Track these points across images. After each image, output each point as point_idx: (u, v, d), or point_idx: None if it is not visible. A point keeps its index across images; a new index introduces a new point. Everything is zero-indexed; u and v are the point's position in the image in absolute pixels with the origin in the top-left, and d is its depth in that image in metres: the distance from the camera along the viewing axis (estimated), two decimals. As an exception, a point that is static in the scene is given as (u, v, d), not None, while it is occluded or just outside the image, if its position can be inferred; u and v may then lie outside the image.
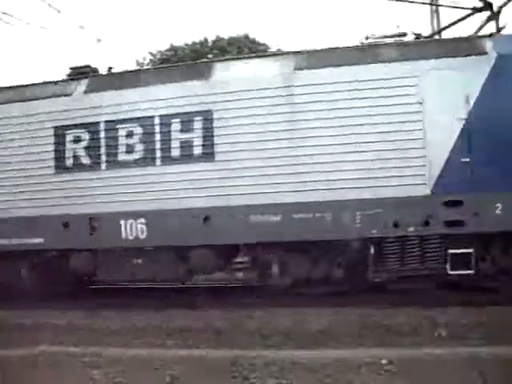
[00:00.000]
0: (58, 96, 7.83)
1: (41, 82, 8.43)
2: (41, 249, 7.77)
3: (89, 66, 8.41)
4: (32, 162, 7.76)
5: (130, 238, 7.34)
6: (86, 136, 7.61)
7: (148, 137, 7.41)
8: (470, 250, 6.37)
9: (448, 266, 6.44)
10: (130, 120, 7.48)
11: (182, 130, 7.28)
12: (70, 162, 7.67)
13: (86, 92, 7.78)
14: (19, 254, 7.84)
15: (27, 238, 7.63)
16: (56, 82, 8.35)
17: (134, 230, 7.31)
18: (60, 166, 7.71)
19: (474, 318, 5.77)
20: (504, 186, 6.15)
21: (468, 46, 6.69)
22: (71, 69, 8.43)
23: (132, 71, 8.45)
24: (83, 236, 7.48)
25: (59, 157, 7.70)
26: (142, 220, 7.27)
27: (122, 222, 7.34)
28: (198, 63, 8.39)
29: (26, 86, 8.45)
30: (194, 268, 7.54)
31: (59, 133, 7.69)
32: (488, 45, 6.54)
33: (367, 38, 7.44)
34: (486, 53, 6.46)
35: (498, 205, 6.18)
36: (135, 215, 7.30)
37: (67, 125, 7.67)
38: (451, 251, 6.41)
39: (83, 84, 7.89)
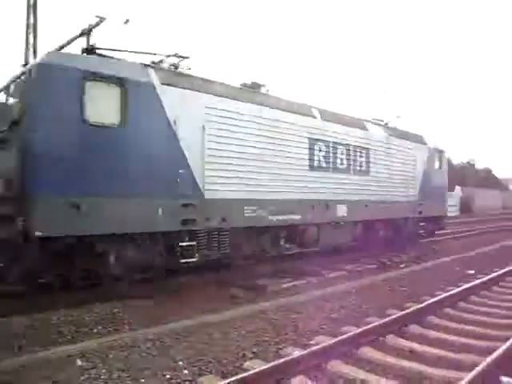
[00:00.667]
0: (310, 117, 11.44)
1: (290, 99, 11.40)
2: (297, 223, 10.74)
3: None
4: (295, 159, 10.70)
5: (340, 215, 12.03)
6: (323, 148, 11.59)
7: (348, 156, 12.41)
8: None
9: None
10: (342, 144, 12.20)
11: (360, 156, 12.90)
12: (315, 163, 11.35)
13: (322, 119, 11.75)
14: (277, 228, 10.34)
15: (289, 215, 10.43)
16: (302, 105, 11.60)
17: (342, 211, 12.06)
18: (311, 165, 11.19)
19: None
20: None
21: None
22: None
23: (338, 113, 12.86)
24: (322, 214, 11.39)
25: (310, 159, 11.20)
26: (345, 205, 12.12)
27: (338, 206, 11.94)
28: (356, 119, 13.55)
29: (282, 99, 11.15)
30: None
31: (311, 142, 11.23)
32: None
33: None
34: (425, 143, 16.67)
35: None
36: (343, 202, 12.08)
37: (314, 138, 11.31)
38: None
39: (317, 112, 11.81)
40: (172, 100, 8.08)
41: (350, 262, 11.70)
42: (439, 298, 7.10)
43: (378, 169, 13.57)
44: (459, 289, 7.76)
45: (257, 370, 4.17)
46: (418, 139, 16.13)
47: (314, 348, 4.79)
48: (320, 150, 11.51)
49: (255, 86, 12.69)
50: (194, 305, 7.39)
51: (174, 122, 8.06)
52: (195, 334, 5.78)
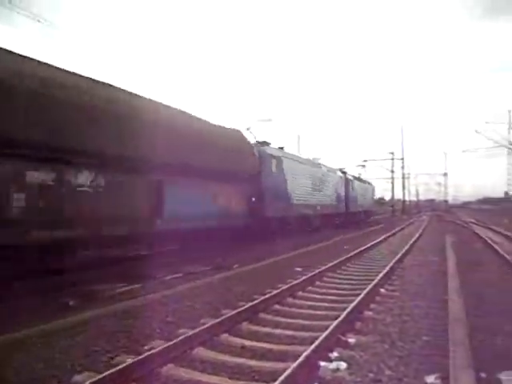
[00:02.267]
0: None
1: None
2: None
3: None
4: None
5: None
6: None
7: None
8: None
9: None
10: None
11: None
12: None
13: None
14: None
15: None
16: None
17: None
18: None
19: None
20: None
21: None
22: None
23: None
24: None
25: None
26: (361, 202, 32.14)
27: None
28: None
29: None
30: None
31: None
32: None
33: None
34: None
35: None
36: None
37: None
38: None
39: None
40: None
41: (188, 264, 11.71)
42: (269, 295, 7.55)
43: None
44: (287, 286, 8.36)
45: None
46: (366, 181, 43.52)
47: (147, 354, 4.71)
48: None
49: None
50: (16, 316, 6.65)
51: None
52: (15, 349, 5.19)
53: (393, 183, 60.01)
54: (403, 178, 62.00)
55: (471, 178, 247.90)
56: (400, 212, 61.50)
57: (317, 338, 5.12)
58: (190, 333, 5.42)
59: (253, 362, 4.84)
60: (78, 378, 4.42)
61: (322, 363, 4.69)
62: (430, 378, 4.30)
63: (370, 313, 6.86)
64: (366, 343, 5.42)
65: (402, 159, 59.50)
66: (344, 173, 32.62)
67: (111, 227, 9.51)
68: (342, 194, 30.09)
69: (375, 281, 8.62)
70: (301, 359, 4.44)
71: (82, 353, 5.12)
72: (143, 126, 10.07)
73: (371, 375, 4.44)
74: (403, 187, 64.22)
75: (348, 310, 6.39)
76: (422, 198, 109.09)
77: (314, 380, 4.37)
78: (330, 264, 11.14)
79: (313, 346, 4.82)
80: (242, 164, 15.50)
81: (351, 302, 6.97)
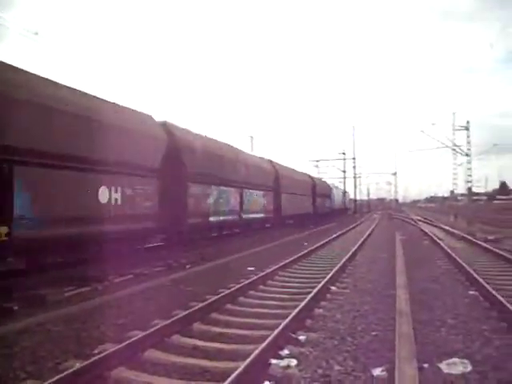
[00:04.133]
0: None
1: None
2: None
3: None
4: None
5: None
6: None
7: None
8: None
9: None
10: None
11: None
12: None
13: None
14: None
15: None
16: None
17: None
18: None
19: None
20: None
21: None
22: None
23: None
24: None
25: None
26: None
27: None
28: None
29: None
30: None
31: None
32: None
33: None
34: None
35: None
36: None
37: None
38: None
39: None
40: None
41: (139, 266, 11.43)
42: (220, 295, 7.55)
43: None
44: (239, 285, 8.39)
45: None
46: (346, 192, 62.44)
47: (96, 358, 4.62)
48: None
49: None
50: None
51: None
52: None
53: (344, 183, 61.40)
54: (355, 177, 63.34)
55: (419, 177, 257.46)
56: (352, 211, 62.81)
57: (268, 337, 5.17)
58: (140, 335, 5.35)
59: (204, 362, 4.84)
60: (22, 385, 4.27)
61: (273, 361, 4.75)
62: (377, 371, 4.44)
63: (321, 310, 6.99)
64: (316, 340, 5.52)
65: (354, 159, 60.64)
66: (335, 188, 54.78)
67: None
68: (341, 199, 54.67)
69: (326, 278, 8.79)
70: (251, 358, 4.47)
71: (27, 359, 4.95)
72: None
73: (320, 371, 4.54)
74: (355, 186, 65.65)
75: (299, 307, 6.49)
76: (373, 197, 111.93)
77: (264, 377, 4.42)
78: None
79: (264, 345, 4.86)
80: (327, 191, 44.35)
81: (302, 300, 7.08)
